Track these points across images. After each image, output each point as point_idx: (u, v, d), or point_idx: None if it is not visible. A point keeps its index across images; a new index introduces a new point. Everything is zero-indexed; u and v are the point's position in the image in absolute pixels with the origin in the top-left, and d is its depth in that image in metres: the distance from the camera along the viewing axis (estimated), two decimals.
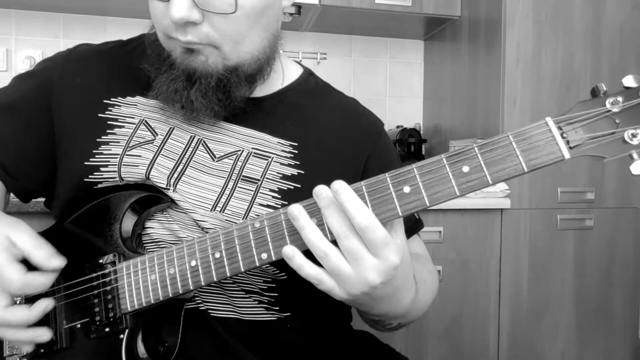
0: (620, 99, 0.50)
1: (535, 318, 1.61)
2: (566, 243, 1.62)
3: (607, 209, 1.65)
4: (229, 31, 0.62)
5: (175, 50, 0.64)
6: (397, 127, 2.08)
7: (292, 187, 0.69)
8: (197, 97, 0.65)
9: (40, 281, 0.60)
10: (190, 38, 0.61)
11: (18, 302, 0.64)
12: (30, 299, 0.63)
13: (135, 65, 0.73)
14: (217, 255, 0.58)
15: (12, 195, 0.79)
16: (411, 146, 2.00)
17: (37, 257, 0.60)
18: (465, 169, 0.51)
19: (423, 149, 2.06)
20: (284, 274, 0.68)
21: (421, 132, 2.11)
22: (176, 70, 0.65)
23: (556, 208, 1.61)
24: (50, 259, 0.60)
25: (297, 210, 0.52)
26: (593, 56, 1.65)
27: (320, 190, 0.52)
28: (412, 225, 0.79)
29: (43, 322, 0.65)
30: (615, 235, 1.66)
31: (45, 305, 0.61)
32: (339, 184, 0.51)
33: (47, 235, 0.69)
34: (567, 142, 0.50)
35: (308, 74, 0.81)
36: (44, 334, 0.62)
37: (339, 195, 0.50)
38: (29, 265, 0.60)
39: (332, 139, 0.74)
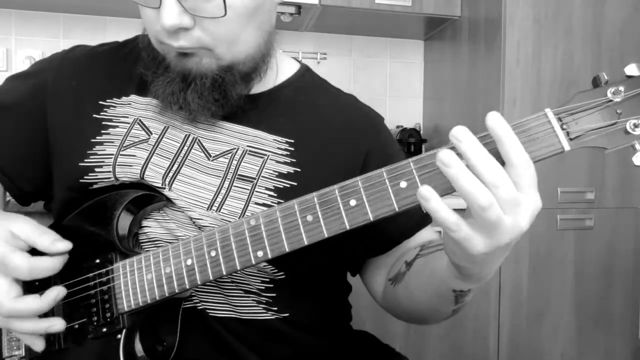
0: (622, 88, 0.48)
1: (535, 318, 1.61)
2: (566, 243, 1.62)
3: (607, 209, 1.65)
4: (221, 33, 0.62)
5: (169, 54, 0.65)
6: (397, 127, 2.08)
7: (289, 185, 0.69)
8: (194, 99, 0.65)
9: (48, 264, 0.59)
10: (182, 43, 0.61)
11: None
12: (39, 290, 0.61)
13: (131, 66, 0.73)
14: (213, 253, 0.58)
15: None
16: (411, 146, 2.00)
17: (42, 243, 0.59)
18: (464, 162, 0.50)
19: (423, 149, 2.06)
20: (282, 273, 0.68)
21: (421, 132, 2.11)
22: (171, 73, 0.65)
23: (556, 208, 1.61)
24: (55, 243, 0.59)
25: (448, 156, 0.45)
26: (593, 56, 1.65)
27: (462, 134, 0.45)
28: (419, 221, 0.76)
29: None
30: (615, 235, 1.66)
31: (57, 292, 0.59)
32: (495, 119, 0.46)
33: None
34: (567, 134, 0.49)
35: (304, 70, 0.81)
36: (57, 324, 0.60)
37: (496, 130, 0.46)
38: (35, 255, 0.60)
39: (330, 136, 0.74)
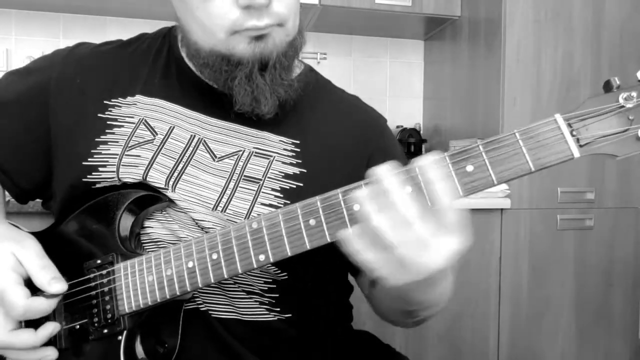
0: (634, 94, 0.47)
1: (535, 318, 1.61)
2: (566, 243, 1.62)
3: (607, 209, 1.65)
4: (292, 3, 0.63)
5: (237, 46, 0.62)
6: (397, 127, 2.08)
7: (295, 186, 0.68)
8: (278, 81, 0.65)
9: (43, 306, 0.60)
10: (267, 21, 0.61)
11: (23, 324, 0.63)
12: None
13: (137, 66, 0.73)
14: (215, 256, 0.58)
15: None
16: (411, 146, 2.00)
17: (39, 280, 0.60)
18: (470, 168, 0.49)
19: (423, 149, 2.06)
20: (285, 274, 0.68)
21: (421, 132, 2.11)
22: (246, 64, 0.63)
23: (556, 208, 1.61)
24: (52, 283, 0.61)
25: (361, 195, 0.48)
26: (593, 56, 1.65)
27: (384, 174, 0.48)
28: None
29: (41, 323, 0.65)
30: (615, 235, 1.66)
31: (51, 329, 0.61)
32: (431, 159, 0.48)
33: (45, 235, 0.70)
34: (577, 140, 0.48)
35: (309, 71, 0.80)
36: (51, 354, 0.62)
37: (427, 172, 0.47)
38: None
39: (335, 137, 0.74)
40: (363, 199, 0.47)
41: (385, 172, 0.47)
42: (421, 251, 0.47)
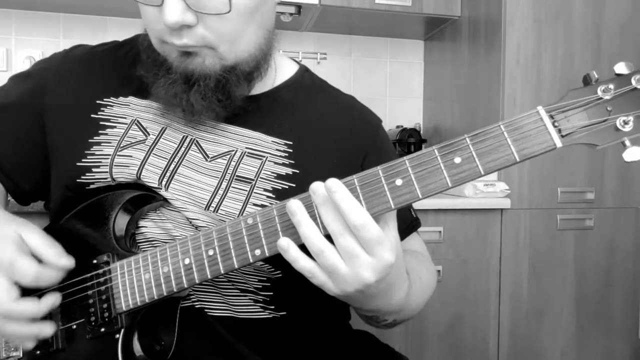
0: (611, 86, 0.49)
1: (535, 318, 1.61)
2: (566, 243, 1.62)
3: (607, 209, 1.65)
4: (224, 31, 0.61)
5: (170, 54, 0.64)
6: (397, 127, 2.08)
7: (287, 187, 0.69)
8: (197, 100, 0.64)
9: (52, 275, 0.61)
10: (185, 41, 0.61)
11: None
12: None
13: (130, 66, 0.73)
14: (211, 252, 0.58)
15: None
16: (411, 146, 2.00)
17: (48, 256, 0.61)
18: (457, 160, 0.51)
19: (423, 149, 2.05)
20: (279, 272, 0.68)
21: (421, 132, 2.11)
22: (174, 74, 0.64)
23: (556, 208, 1.61)
24: (60, 258, 0.61)
25: (295, 205, 0.52)
26: (593, 56, 1.65)
27: (316, 187, 0.51)
28: (410, 224, 0.78)
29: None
30: (615, 235, 1.66)
31: (54, 299, 0.62)
32: (333, 182, 0.50)
33: None
34: (559, 131, 0.50)
35: (304, 71, 0.81)
36: (48, 329, 0.62)
37: (333, 194, 0.50)
38: None
39: (329, 137, 0.74)
40: (294, 210, 0.52)
41: (318, 186, 0.51)
42: (346, 262, 0.51)
